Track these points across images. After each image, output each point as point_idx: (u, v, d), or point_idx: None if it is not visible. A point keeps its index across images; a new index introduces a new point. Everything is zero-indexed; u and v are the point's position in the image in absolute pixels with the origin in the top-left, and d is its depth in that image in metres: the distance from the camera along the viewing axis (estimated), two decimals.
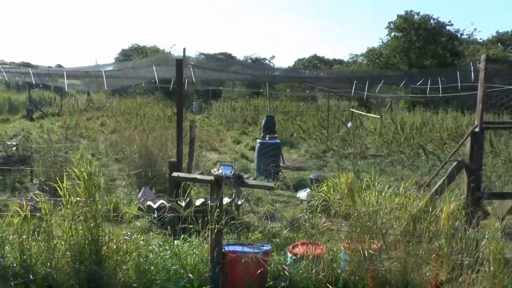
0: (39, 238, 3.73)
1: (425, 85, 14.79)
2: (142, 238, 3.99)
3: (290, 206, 7.25)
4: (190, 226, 4.01)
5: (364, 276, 3.67)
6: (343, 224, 4.20)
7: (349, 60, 37.20)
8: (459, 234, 3.68)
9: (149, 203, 6.03)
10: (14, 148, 9.20)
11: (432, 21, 28.89)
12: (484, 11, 77.15)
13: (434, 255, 3.44)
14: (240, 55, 48.81)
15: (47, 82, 18.49)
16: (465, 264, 3.59)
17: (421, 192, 5.39)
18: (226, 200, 5.13)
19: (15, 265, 3.65)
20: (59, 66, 33.53)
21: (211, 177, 3.92)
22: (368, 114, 17.54)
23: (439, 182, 4.81)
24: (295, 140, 14.10)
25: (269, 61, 40.05)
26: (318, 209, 4.04)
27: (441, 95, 14.53)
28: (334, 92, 20.20)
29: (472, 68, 13.15)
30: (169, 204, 4.40)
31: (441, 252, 3.56)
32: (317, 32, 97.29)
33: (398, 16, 29.26)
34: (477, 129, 4.74)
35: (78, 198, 3.71)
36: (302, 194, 7.57)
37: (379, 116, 15.97)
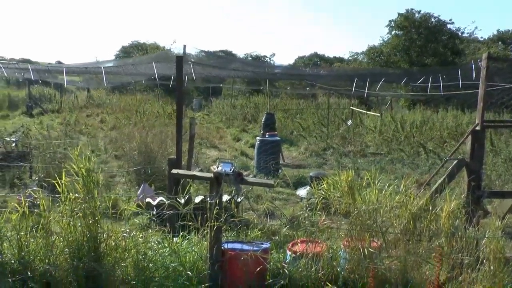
0: (38, 235, 3.70)
1: (426, 83, 14.77)
2: (141, 235, 3.96)
3: (289, 203, 7.24)
4: (189, 223, 3.99)
5: (364, 274, 3.66)
6: (343, 222, 4.18)
7: (350, 58, 37.24)
8: (459, 233, 3.67)
9: (148, 200, 6.02)
10: (14, 144, 9.18)
11: (433, 20, 28.85)
12: (485, 10, 77.19)
13: (435, 254, 3.42)
14: (240, 52, 48.77)
15: (47, 79, 18.49)
16: (465, 263, 3.58)
17: (421, 190, 5.38)
18: (225, 197, 5.12)
19: (13, 261, 3.63)
20: (59, 62, 33.50)
21: (211, 174, 3.90)
22: (368, 112, 17.52)
23: (439, 181, 4.79)
24: (295, 137, 14.09)
25: (270, 58, 40.01)
26: (318, 207, 4.02)
27: (442, 93, 14.52)
28: (335, 90, 20.21)
29: (473, 66, 13.13)
30: (168, 201, 4.38)
31: (442, 251, 3.55)
32: (317, 30, 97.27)
33: (399, 14, 29.27)
34: (478, 128, 4.72)
35: (76, 195, 3.69)
36: (302, 191, 7.56)
37: (379, 114, 15.95)
